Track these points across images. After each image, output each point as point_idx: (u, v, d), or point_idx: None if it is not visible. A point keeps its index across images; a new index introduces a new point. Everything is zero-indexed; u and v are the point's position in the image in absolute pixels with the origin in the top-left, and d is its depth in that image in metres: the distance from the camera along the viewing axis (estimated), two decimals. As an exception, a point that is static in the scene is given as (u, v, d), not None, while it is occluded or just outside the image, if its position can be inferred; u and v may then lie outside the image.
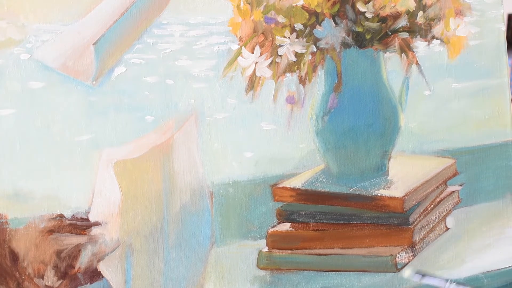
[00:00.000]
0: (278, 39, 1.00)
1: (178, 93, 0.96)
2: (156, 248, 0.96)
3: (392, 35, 1.04)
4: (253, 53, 0.99)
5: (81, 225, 0.93)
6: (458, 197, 1.10)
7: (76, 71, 0.92)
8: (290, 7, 1.00)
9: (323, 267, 1.04)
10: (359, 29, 1.03)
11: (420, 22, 1.05)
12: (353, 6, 1.02)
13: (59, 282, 0.92)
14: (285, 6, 1.00)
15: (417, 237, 1.06)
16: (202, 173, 0.98)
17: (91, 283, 0.94)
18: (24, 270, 0.91)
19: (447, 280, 0.93)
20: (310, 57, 1.02)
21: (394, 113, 1.05)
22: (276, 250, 1.02)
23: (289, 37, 1.00)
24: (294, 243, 1.03)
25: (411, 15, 1.04)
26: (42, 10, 0.90)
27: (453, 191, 1.10)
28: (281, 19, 1.00)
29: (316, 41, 1.01)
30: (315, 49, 1.02)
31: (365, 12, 1.02)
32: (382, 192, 1.04)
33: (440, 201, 1.10)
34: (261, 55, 0.99)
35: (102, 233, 0.94)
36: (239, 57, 0.99)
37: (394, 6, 1.03)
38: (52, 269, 0.92)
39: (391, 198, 1.04)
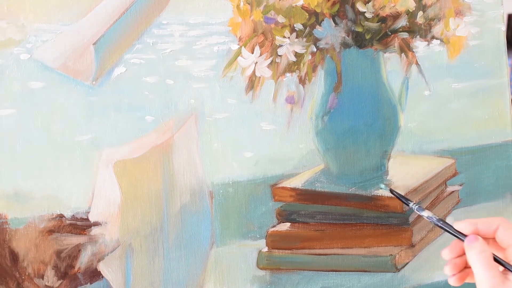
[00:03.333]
0: (278, 39, 1.00)
1: (178, 93, 0.96)
2: (156, 248, 0.96)
3: (392, 35, 1.04)
4: (253, 53, 0.99)
5: (81, 225, 0.93)
6: (458, 197, 1.10)
7: (76, 71, 0.92)
8: (290, 7, 1.00)
9: (323, 267, 1.04)
10: (359, 29, 1.03)
11: (420, 22, 1.05)
12: (353, 6, 1.02)
13: (59, 282, 0.92)
14: (285, 6, 1.00)
15: (416, 237, 1.06)
16: (202, 173, 0.98)
17: (91, 283, 0.94)
18: (24, 270, 0.91)
19: (410, 202, 0.94)
20: (310, 57, 1.02)
21: (393, 113, 1.05)
22: (276, 250, 1.02)
23: (289, 37, 1.00)
24: (294, 243, 1.03)
25: (411, 15, 1.04)
26: (42, 10, 0.90)
27: (453, 191, 1.10)
28: (281, 19, 1.00)
29: (316, 41, 1.01)
30: (315, 49, 1.02)
31: (365, 12, 1.02)
32: (381, 192, 1.04)
33: (440, 201, 1.10)
34: (261, 55, 0.99)
35: (102, 233, 0.94)
36: (239, 57, 0.99)
37: (394, 6, 1.03)
38: (52, 269, 0.92)
39: (391, 198, 1.04)
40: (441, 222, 0.88)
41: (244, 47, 0.99)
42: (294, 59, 1.01)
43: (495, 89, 1.10)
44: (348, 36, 1.02)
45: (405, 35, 1.05)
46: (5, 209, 0.90)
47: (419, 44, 1.06)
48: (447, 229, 0.87)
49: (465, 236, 0.83)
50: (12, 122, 0.89)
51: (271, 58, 1.00)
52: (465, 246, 0.82)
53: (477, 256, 0.80)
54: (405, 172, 1.06)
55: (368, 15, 1.02)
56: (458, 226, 0.84)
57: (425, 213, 0.92)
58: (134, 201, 0.95)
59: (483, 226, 0.82)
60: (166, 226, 0.96)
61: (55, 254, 0.92)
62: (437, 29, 1.06)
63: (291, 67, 1.01)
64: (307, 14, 1.00)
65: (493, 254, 0.81)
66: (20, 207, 0.90)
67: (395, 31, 1.04)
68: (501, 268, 0.81)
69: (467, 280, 0.84)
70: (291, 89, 1.01)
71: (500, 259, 0.82)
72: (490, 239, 0.83)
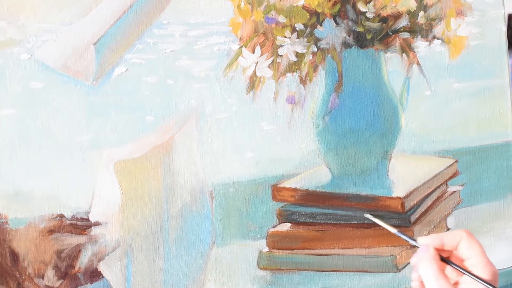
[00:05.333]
0: (279, 39, 1.00)
1: (179, 93, 0.96)
2: (156, 248, 0.96)
3: (393, 35, 1.04)
4: (253, 53, 0.99)
5: (81, 225, 0.93)
6: (459, 197, 1.10)
7: (76, 71, 0.92)
8: (291, 7, 1.00)
9: (323, 267, 1.04)
10: (360, 29, 1.02)
11: (421, 22, 1.05)
12: (354, 6, 1.02)
13: (60, 282, 0.92)
14: (286, 6, 0.99)
15: (417, 238, 1.06)
16: (202, 173, 0.98)
17: (91, 283, 0.94)
18: (25, 270, 0.91)
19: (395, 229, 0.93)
20: (310, 57, 1.01)
21: (395, 113, 1.05)
22: (277, 250, 1.02)
23: (289, 37, 1.00)
24: (295, 243, 1.03)
25: (412, 15, 1.04)
26: (43, 10, 0.90)
27: (454, 191, 1.10)
28: (281, 19, 1.00)
29: (316, 41, 1.01)
30: (315, 49, 1.02)
31: (366, 12, 1.02)
32: (382, 192, 1.04)
33: (441, 201, 1.10)
34: (261, 55, 0.99)
35: (102, 233, 0.94)
36: (240, 57, 0.98)
37: (395, 6, 1.03)
38: (53, 269, 0.92)
39: (392, 198, 1.04)
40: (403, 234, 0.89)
41: (245, 47, 0.99)
42: (295, 59, 1.01)
43: (496, 89, 1.10)
44: (349, 36, 1.02)
45: (406, 35, 1.04)
46: (6, 209, 0.90)
47: (420, 44, 1.06)
48: (406, 238, 0.87)
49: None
50: (12, 122, 0.89)
51: (272, 58, 1.00)
52: (413, 257, 0.82)
53: (425, 269, 0.80)
54: (406, 172, 1.06)
55: (369, 15, 1.02)
56: (424, 240, 0.84)
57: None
58: (135, 201, 0.95)
59: (448, 239, 0.83)
60: (166, 226, 0.96)
61: (56, 254, 0.92)
62: (438, 29, 1.06)
63: (292, 67, 1.01)
64: (308, 14, 1.00)
65: (440, 256, 0.81)
66: (21, 207, 0.90)
67: (396, 31, 1.04)
68: (453, 280, 0.82)
69: None
70: (292, 89, 1.01)
71: (447, 259, 0.82)
72: (453, 251, 0.84)
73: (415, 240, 0.84)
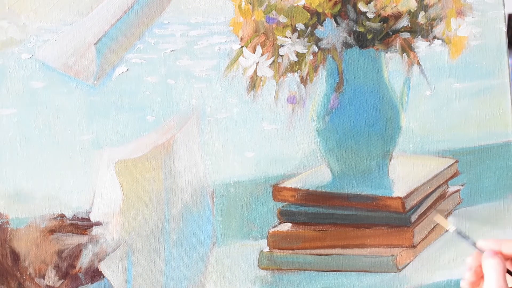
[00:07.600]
0: (280, 39, 1.00)
1: (179, 93, 0.96)
2: (157, 248, 0.96)
3: (394, 35, 1.04)
4: (254, 53, 0.99)
5: (82, 225, 0.93)
6: (459, 197, 1.10)
7: (77, 71, 0.92)
8: (292, 7, 1.00)
9: (324, 267, 1.04)
10: (361, 29, 1.02)
11: (422, 22, 1.05)
12: (355, 6, 1.02)
13: (60, 282, 0.92)
14: (287, 6, 0.99)
15: (418, 237, 1.06)
16: (203, 173, 0.98)
17: (92, 283, 0.94)
18: (25, 270, 0.91)
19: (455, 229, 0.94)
20: (311, 57, 1.01)
21: (395, 113, 1.05)
22: (277, 250, 1.02)
23: (290, 37, 1.00)
24: (295, 243, 1.03)
25: (413, 15, 1.04)
26: (44, 10, 0.90)
27: (454, 191, 1.10)
28: (282, 19, 1.00)
29: (317, 41, 1.01)
30: (316, 49, 1.02)
31: (366, 12, 1.02)
32: (383, 192, 1.04)
33: (442, 201, 1.10)
34: (262, 55, 0.99)
35: (103, 233, 0.94)
36: (241, 57, 0.99)
37: (395, 6, 1.03)
38: (53, 269, 0.92)
39: (392, 198, 1.04)
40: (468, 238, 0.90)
41: (246, 47, 0.99)
42: (295, 59, 1.01)
43: (497, 89, 1.10)
44: (349, 36, 1.02)
45: (406, 35, 1.04)
46: (6, 209, 0.90)
47: (420, 44, 1.06)
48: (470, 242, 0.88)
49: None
50: (13, 122, 0.89)
51: (272, 58, 1.00)
52: (483, 255, 0.83)
53: (493, 266, 0.81)
54: (406, 172, 1.06)
55: (369, 15, 1.02)
56: (483, 243, 0.85)
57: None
58: (135, 201, 0.95)
59: (507, 246, 0.84)
60: (167, 226, 0.96)
61: (56, 254, 0.92)
62: (438, 29, 1.06)
63: (293, 67, 1.01)
64: (308, 14, 1.00)
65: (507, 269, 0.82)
66: (21, 207, 0.90)
67: (396, 31, 1.04)
68: (511, 283, 0.82)
69: None
70: (293, 89, 1.01)
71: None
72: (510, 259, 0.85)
73: (474, 243, 0.85)
